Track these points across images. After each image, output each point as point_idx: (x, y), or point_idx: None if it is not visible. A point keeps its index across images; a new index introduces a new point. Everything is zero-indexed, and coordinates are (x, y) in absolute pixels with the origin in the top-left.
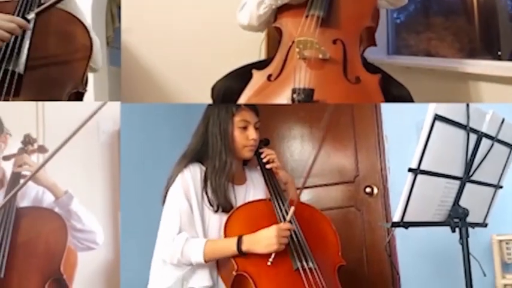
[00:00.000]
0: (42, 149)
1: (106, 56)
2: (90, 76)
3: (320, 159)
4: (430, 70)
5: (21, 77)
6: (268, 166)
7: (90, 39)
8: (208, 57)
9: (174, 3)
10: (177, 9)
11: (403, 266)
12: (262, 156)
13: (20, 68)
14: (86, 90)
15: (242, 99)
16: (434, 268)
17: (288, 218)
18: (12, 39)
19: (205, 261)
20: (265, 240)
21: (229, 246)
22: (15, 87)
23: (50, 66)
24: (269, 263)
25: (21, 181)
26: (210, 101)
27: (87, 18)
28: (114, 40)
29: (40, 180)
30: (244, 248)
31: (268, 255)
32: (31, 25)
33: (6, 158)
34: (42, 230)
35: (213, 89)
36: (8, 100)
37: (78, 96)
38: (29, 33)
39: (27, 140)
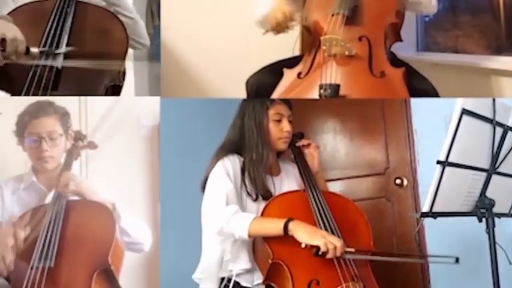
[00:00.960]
0: (92, 145)
1: (146, 52)
2: (131, 71)
3: (352, 152)
4: (458, 66)
5: (59, 71)
6: (308, 150)
7: (127, 34)
8: (242, 53)
9: (211, 1)
10: (214, 7)
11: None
12: (301, 142)
13: (59, 63)
14: (123, 83)
15: (275, 97)
16: (462, 256)
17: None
18: (51, 36)
19: (249, 236)
20: (312, 232)
21: (277, 225)
22: (54, 82)
23: (88, 60)
24: (303, 245)
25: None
26: (245, 95)
27: None
28: (154, 37)
29: (88, 196)
30: (290, 231)
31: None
32: (69, 22)
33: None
34: (91, 222)
35: (247, 83)
36: (45, 95)
37: (116, 89)
38: (67, 30)
39: (78, 137)
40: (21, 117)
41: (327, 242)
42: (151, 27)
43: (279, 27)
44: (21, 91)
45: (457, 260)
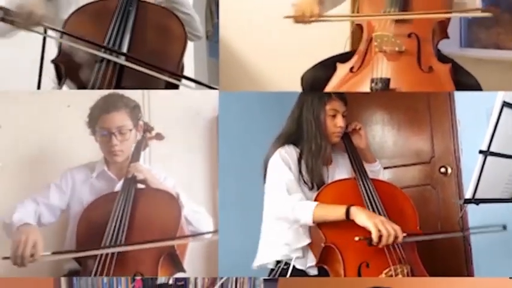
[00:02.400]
0: (159, 136)
1: (206, 48)
2: (191, 66)
3: (400, 142)
4: (499, 61)
5: (122, 67)
6: (356, 128)
7: (185, 31)
8: (298, 49)
9: (266, 0)
10: (269, 6)
11: (474, 239)
12: (349, 128)
13: (122, 59)
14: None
15: (328, 89)
16: (502, 240)
17: None
18: (114, 34)
19: (313, 221)
20: (372, 217)
21: (339, 211)
22: (117, 77)
23: (149, 55)
24: (357, 239)
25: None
26: (300, 89)
27: None
28: (213, 34)
29: (154, 185)
30: (351, 216)
31: (355, 231)
32: (131, 21)
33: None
34: (158, 209)
35: (302, 77)
36: (110, 89)
37: (175, 84)
38: (129, 28)
39: (146, 128)
40: (93, 111)
41: (385, 227)
42: (210, 25)
43: (299, 19)
44: (87, 84)
45: (504, 227)
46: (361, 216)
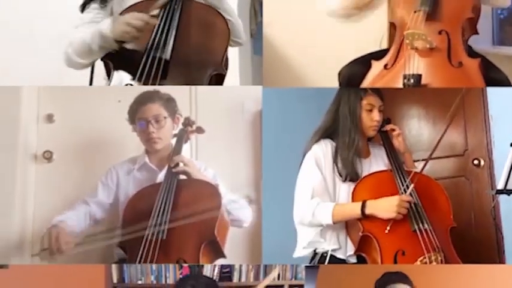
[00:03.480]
0: (200, 130)
1: (250, 46)
2: (236, 63)
3: (435, 136)
4: None
5: (167, 62)
6: (394, 133)
7: (228, 28)
8: (335, 46)
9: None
10: (309, 6)
11: (506, 228)
12: (388, 127)
13: (167, 54)
14: (225, 72)
15: (364, 86)
16: None
17: (408, 191)
18: (160, 30)
19: (333, 222)
20: (386, 207)
21: (355, 209)
22: (162, 72)
23: (193, 52)
24: (386, 231)
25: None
26: (337, 85)
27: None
28: (256, 32)
29: (195, 176)
30: (367, 211)
31: (388, 221)
32: (176, 17)
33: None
34: (199, 199)
35: (339, 74)
36: (155, 83)
37: (219, 78)
38: (174, 24)
39: (187, 122)
40: (131, 107)
41: (401, 207)
42: (254, 23)
43: (350, 12)
44: (134, 78)
45: None
46: (380, 211)
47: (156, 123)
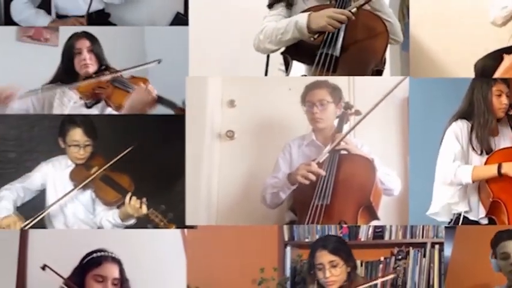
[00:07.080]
0: (357, 113)
1: (399, 44)
2: (387, 59)
3: None
4: None
5: (337, 58)
6: None
7: (387, 30)
8: (471, 42)
9: (450, 4)
10: (451, 9)
11: None
12: None
13: (337, 51)
14: (383, 68)
15: (496, 76)
16: None
17: None
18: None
19: (472, 181)
20: None
21: (491, 169)
22: (333, 66)
23: (358, 50)
24: None
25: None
26: (472, 76)
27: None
28: (405, 32)
29: (354, 151)
30: (503, 170)
31: None
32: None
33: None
34: (357, 170)
35: (475, 66)
36: (328, 74)
37: (378, 73)
38: (343, 26)
39: (347, 106)
40: (304, 91)
41: None
42: (402, 24)
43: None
44: (313, 68)
45: None
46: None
47: (320, 106)
